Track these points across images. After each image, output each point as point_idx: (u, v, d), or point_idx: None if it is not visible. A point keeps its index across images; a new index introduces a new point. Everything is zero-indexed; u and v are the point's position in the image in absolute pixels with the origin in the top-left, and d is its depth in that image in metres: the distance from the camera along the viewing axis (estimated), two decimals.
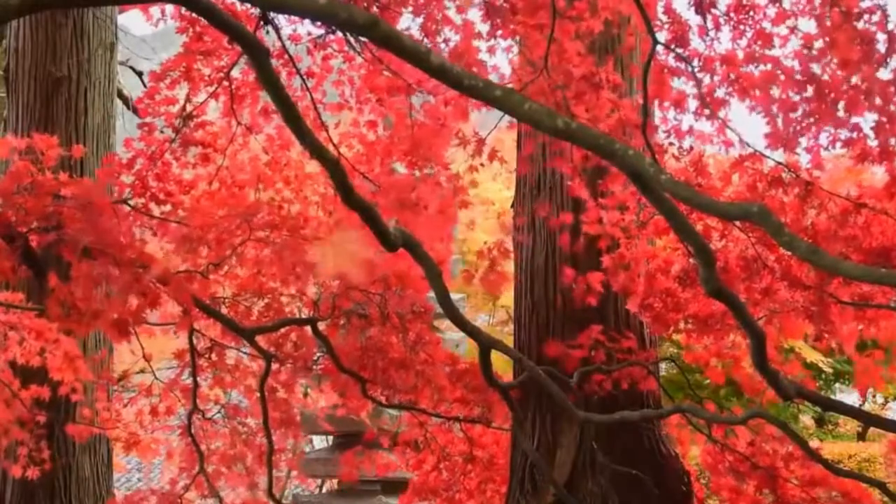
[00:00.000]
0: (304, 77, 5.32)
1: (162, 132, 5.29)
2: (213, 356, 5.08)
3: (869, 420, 8.49)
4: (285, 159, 5.95)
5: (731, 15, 4.34)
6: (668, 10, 4.43)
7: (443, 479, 6.18)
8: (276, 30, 4.99)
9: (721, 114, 4.39)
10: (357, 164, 5.26)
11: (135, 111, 10.13)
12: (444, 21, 4.58)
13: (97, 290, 3.75)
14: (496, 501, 6.17)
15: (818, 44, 4.06)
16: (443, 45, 4.61)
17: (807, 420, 15.84)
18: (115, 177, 5.23)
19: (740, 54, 4.33)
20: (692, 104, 4.45)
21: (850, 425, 16.04)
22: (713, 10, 4.36)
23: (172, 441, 6.05)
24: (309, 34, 5.36)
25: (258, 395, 4.88)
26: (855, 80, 3.97)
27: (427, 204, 4.58)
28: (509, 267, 5.94)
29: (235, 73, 5.27)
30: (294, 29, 5.48)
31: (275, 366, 4.81)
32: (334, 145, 5.33)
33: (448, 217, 5.00)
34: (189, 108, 5.23)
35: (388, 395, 5.06)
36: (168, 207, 5.11)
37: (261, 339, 4.58)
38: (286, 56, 5.26)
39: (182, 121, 5.20)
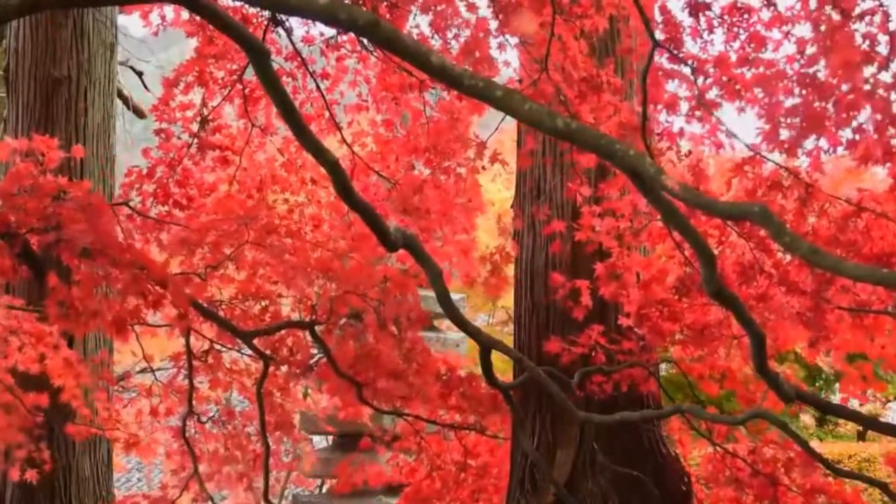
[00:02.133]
0: (318, 78, 5.33)
1: (179, 138, 5.31)
2: (210, 359, 5.07)
3: (868, 423, 8.48)
4: (301, 161, 5.96)
5: (725, 17, 4.34)
6: (664, 11, 4.43)
7: (436, 489, 6.15)
8: (288, 32, 4.99)
9: (716, 114, 4.38)
10: (372, 163, 5.26)
11: (135, 111, 10.14)
12: (454, 15, 4.57)
13: (96, 290, 3.75)
14: None
15: (811, 49, 4.05)
16: (453, 42, 4.61)
17: (807, 419, 15.83)
18: (139, 187, 5.26)
19: (733, 56, 4.32)
20: (684, 106, 4.45)
21: (850, 425, 16.01)
22: (707, 13, 4.35)
23: (173, 441, 6.05)
24: (322, 34, 5.37)
25: (256, 397, 4.87)
26: (856, 81, 3.96)
27: (448, 197, 4.61)
28: (511, 270, 5.95)
29: (248, 75, 5.27)
30: (307, 30, 5.50)
31: (272, 368, 4.81)
32: (348, 145, 5.33)
33: (471, 207, 5.02)
34: (205, 111, 5.24)
35: (381, 402, 5.06)
36: (191, 212, 5.14)
37: (258, 343, 4.58)
38: (300, 59, 5.27)
39: (199, 125, 5.21)
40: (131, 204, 5.24)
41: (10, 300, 5.26)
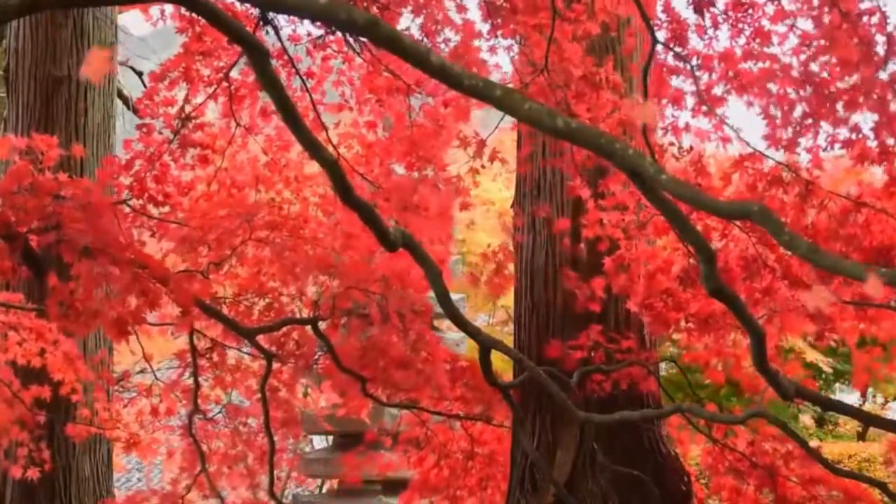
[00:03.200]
0: (304, 78, 5.32)
1: (161, 133, 5.29)
2: (215, 356, 5.08)
3: (868, 420, 8.50)
4: (284, 160, 5.94)
5: (730, 13, 4.35)
6: (668, 9, 4.43)
7: (444, 477, 6.18)
8: (276, 30, 4.99)
9: (719, 111, 4.39)
10: (356, 165, 5.26)
11: (135, 111, 10.14)
12: (444, 21, 4.58)
13: (97, 290, 3.75)
14: (497, 498, 6.17)
15: (814, 45, 4.06)
16: (443, 46, 4.61)
17: (807, 420, 15.83)
18: (115, 178, 5.22)
19: (738, 52, 4.33)
20: (690, 101, 4.45)
21: (850, 425, 16.03)
22: (711, 9, 4.36)
23: (173, 441, 6.06)
24: (309, 34, 5.36)
25: (259, 394, 4.89)
26: (854, 80, 3.97)
27: (426, 205, 4.60)
28: (512, 269, 5.96)
29: (234, 73, 5.27)
30: (294, 29, 5.48)
31: (276, 365, 4.82)
32: (333, 146, 5.33)
33: (447, 218, 5.01)
34: (188, 108, 5.23)
35: (388, 394, 5.08)
36: (167, 209, 5.11)
37: (262, 339, 4.58)
38: (286, 57, 5.26)
39: (181, 122, 5.19)
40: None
41: (9, 296, 5.26)
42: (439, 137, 4.95)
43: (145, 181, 5.22)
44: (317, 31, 5.28)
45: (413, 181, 4.99)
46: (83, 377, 5.50)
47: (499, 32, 4.58)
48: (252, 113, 5.52)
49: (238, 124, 5.45)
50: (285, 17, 5.03)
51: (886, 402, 16.92)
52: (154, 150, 5.23)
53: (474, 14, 4.63)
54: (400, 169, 5.24)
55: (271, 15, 4.80)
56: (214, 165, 5.51)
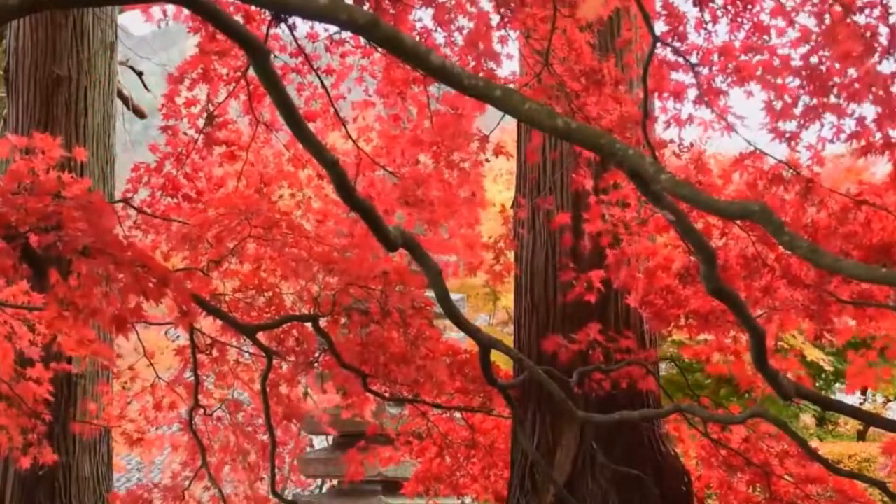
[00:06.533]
0: (323, 74, 5.34)
1: (185, 133, 5.35)
2: (215, 352, 5.10)
3: (869, 420, 8.51)
4: (307, 156, 5.97)
5: (729, 8, 4.36)
6: (666, 5, 4.44)
7: (446, 466, 6.21)
8: (291, 28, 5.00)
9: (721, 102, 4.40)
10: (378, 157, 5.28)
11: (135, 111, 10.15)
12: (457, 7, 4.58)
13: (97, 288, 3.75)
14: (500, 486, 6.19)
15: (814, 38, 4.07)
16: (456, 34, 4.63)
17: (807, 419, 15.83)
18: (147, 180, 5.30)
19: (738, 46, 4.35)
20: (691, 94, 4.47)
21: (850, 425, 16.02)
22: (711, 4, 4.37)
23: (177, 437, 6.08)
24: (326, 30, 5.38)
25: (260, 391, 4.91)
26: (857, 73, 3.97)
27: (453, 190, 4.62)
28: (512, 257, 5.96)
29: (252, 71, 5.27)
30: (311, 26, 5.50)
31: (276, 362, 4.84)
32: (353, 140, 5.36)
33: (475, 202, 5.05)
34: (210, 108, 5.27)
35: (388, 390, 5.10)
36: (201, 205, 5.19)
37: (262, 336, 4.60)
38: (303, 55, 5.28)
39: (206, 121, 5.24)
40: (140, 199, 5.27)
41: (14, 289, 5.25)
42: (459, 125, 4.95)
43: (177, 179, 5.29)
44: (333, 28, 5.30)
45: (434, 170, 5.02)
46: (101, 354, 5.47)
47: (507, 24, 4.59)
48: (273, 110, 5.54)
49: (259, 122, 5.49)
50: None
51: (887, 401, 16.92)
52: (182, 150, 5.30)
53: (486, 5, 4.64)
54: (426, 159, 5.26)
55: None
56: (242, 161, 5.57)
